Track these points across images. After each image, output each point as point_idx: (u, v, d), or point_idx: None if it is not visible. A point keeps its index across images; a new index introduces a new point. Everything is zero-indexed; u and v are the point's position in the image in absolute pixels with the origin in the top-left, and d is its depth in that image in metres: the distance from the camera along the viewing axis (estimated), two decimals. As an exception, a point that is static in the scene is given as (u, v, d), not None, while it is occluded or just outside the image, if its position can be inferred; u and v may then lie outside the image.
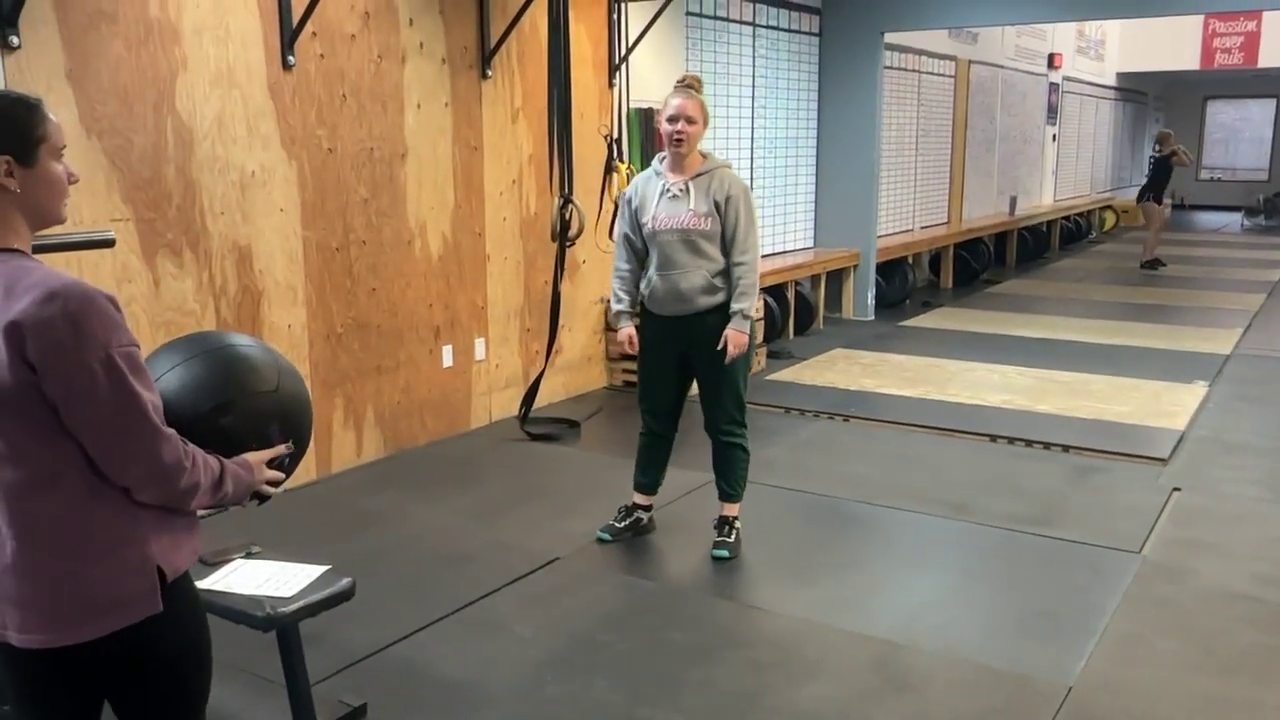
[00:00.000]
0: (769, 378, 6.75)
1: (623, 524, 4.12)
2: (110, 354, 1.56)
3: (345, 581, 2.55)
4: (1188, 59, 15.42)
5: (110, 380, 1.56)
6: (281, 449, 1.86)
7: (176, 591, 1.71)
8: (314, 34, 4.52)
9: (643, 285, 3.91)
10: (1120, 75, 17.05)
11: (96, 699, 1.76)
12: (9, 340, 1.52)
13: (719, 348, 3.78)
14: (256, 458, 1.82)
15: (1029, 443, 5.37)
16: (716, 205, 3.75)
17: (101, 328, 1.56)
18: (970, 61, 11.30)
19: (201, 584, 2.52)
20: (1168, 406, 6.03)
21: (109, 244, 3.17)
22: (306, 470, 4.74)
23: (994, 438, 5.47)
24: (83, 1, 3.74)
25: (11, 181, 1.59)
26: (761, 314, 6.94)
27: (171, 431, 1.64)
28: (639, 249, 3.92)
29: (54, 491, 1.60)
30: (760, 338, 6.95)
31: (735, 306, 3.78)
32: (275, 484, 1.87)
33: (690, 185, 3.77)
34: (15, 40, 3.53)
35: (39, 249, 3.09)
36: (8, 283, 1.55)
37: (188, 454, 1.66)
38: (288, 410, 1.89)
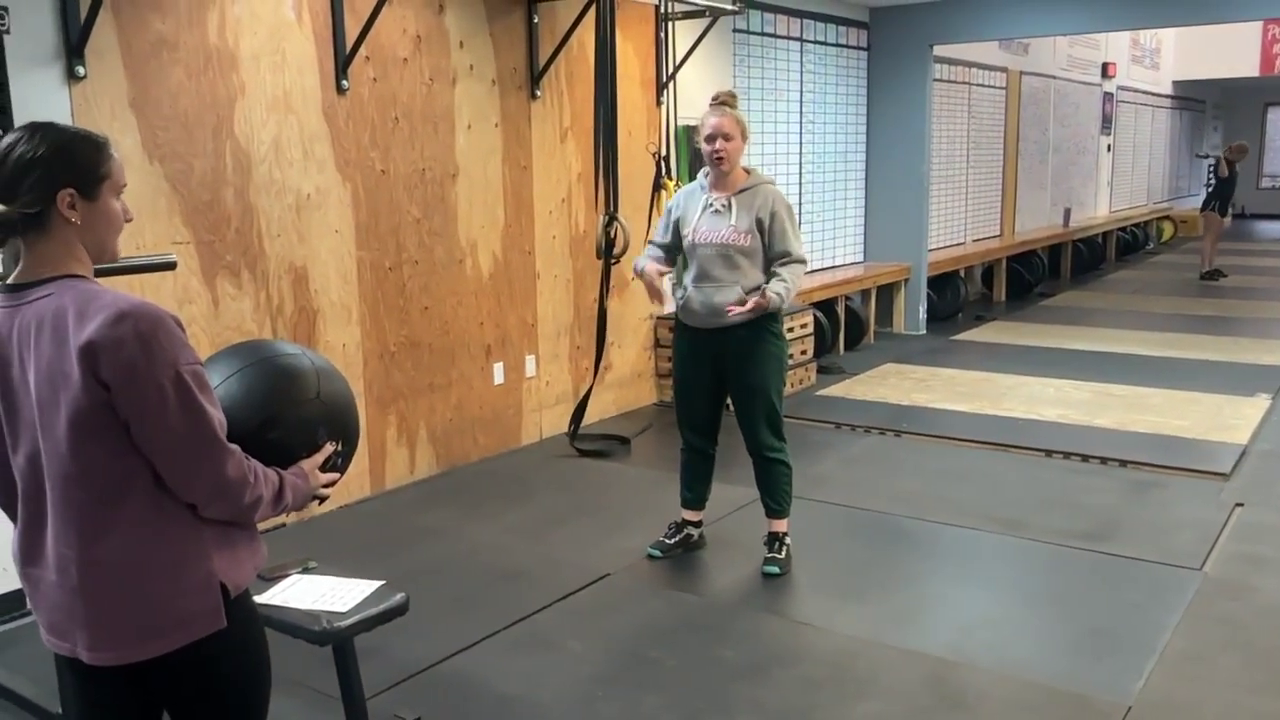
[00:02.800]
0: (819, 393, 6.72)
1: (673, 540, 4.13)
2: (179, 372, 1.60)
3: (399, 597, 2.58)
4: (1246, 66, 15.12)
5: (180, 398, 1.60)
6: (329, 449, 1.88)
7: (239, 608, 1.74)
8: (367, 58, 4.61)
9: (678, 295, 3.93)
10: (1176, 83, 16.76)
11: (157, 712, 1.80)
12: (84, 361, 1.56)
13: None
14: (310, 465, 1.85)
15: (1085, 458, 5.29)
16: (759, 222, 3.76)
17: (171, 346, 1.60)
18: (1022, 72, 11.19)
19: (259, 599, 2.56)
20: (1229, 420, 5.90)
21: (170, 266, 3.26)
22: (361, 487, 4.81)
23: (1049, 453, 5.39)
24: (145, 31, 3.85)
25: (74, 214, 1.64)
26: (810, 329, 6.92)
27: (236, 448, 1.68)
28: (670, 251, 3.96)
29: (121, 510, 1.63)
30: (809, 353, 6.93)
31: (768, 285, 3.72)
32: (331, 485, 1.90)
33: (733, 201, 3.79)
34: (81, 70, 3.65)
35: (105, 271, 3.19)
36: (79, 306, 1.59)
37: (251, 469, 1.69)
38: (331, 412, 1.91)
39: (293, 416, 1.84)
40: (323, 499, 1.91)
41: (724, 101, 3.81)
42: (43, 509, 1.67)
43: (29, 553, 1.71)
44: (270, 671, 1.85)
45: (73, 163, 1.64)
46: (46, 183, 1.62)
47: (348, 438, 1.94)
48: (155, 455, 1.62)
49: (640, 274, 3.90)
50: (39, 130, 1.65)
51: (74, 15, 3.61)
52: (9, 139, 1.65)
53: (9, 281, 1.67)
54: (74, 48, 3.63)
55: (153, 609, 1.66)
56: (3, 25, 2.91)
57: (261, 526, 1.82)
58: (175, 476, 1.64)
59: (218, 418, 1.66)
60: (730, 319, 3.71)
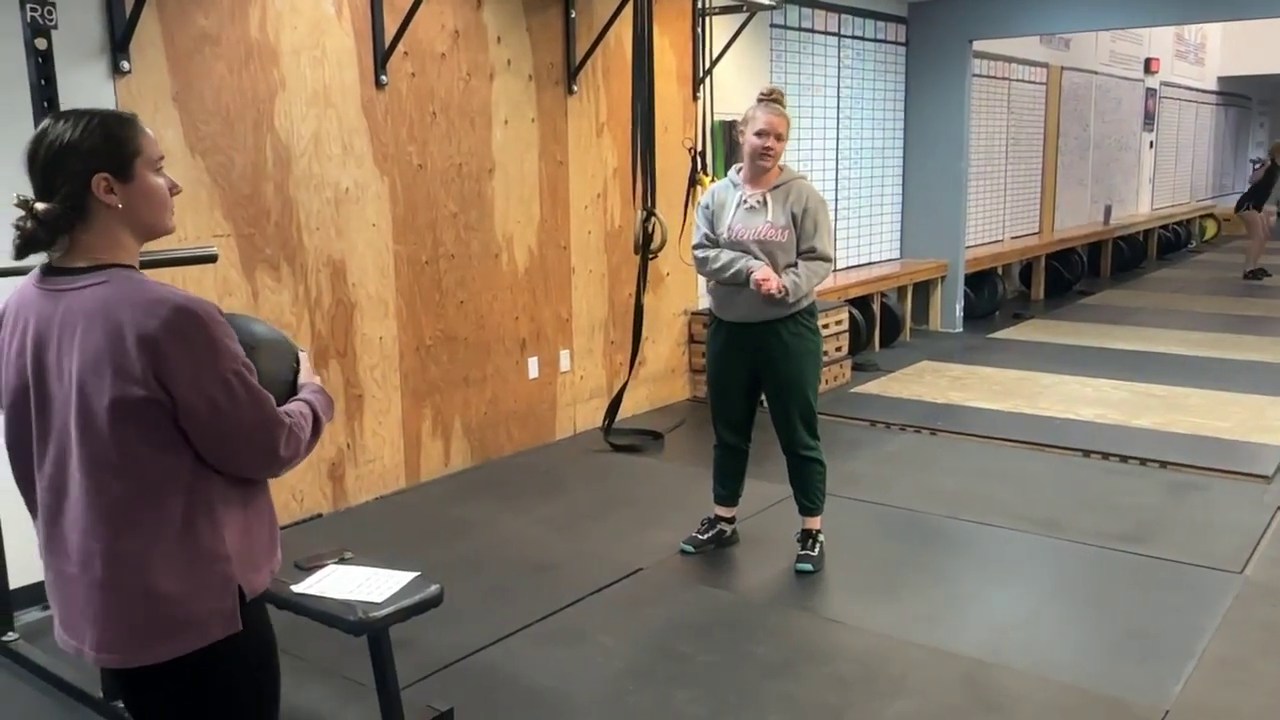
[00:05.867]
0: (854, 390, 6.68)
1: (705, 536, 4.13)
2: (239, 365, 1.61)
3: (434, 588, 2.60)
4: (1294, 61, 14.85)
5: (246, 389, 1.61)
6: (305, 356, 1.92)
7: (253, 612, 1.72)
8: (405, 53, 4.64)
9: (710, 288, 3.93)
10: (1222, 79, 16.48)
11: (174, 713, 1.74)
12: (145, 354, 1.54)
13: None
14: (306, 375, 1.88)
15: (1124, 458, 5.22)
16: (793, 217, 3.75)
17: (230, 340, 1.61)
18: (1063, 68, 11.06)
19: (296, 588, 2.60)
20: (1272, 422, 5.80)
21: (212, 259, 3.29)
22: (396, 479, 4.85)
23: (1087, 453, 5.33)
24: (188, 26, 3.90)
25: (113, 198, 1.60)
26: (846, 326, 6.89)
27: (285, 418, 1.69)
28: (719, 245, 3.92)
29: (154, 507, 1.61)
30: (844, 349, 6.90)
31: (791, 272, 3.70)
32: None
33: (768, 197, 3.77)
34: (126, 65, 3.70)
35: (147, 264, 3.23)
36: (134, 298, 1.57)
37: (296, 424, 1.71)
38: (275, 333, 1.94)
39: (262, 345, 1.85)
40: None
41: (776, 99, 3.79)
42: (64, 499, 1.64)
43: (51, 544, 1.69)
44: (279, 675, 1.83)
45: (102, 145, 1.60)
46: (79, 170, 1.58)
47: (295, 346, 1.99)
48: (218, 447, 1.62)
49: (736, 272, 3.76)
50: (64, 118, 1.62)
51: (119, 10, 3.67)
52: (38, 132, 1.62)
53: (51, 264, 1.64)
54: (119, 43, 3.68)
55: (167, 609, 1.62)
56: (50, 20, 2.96)
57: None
58: (239, 464, 1.66)
59: (272, 398, 1.67)
60: (767, 308, 3.70)
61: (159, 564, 1.62)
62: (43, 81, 2.96)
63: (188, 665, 1.65)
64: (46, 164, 1.60)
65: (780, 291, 3.66)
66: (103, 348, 1.56)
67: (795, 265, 3.75)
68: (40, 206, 1.59)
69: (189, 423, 1.59)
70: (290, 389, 1.84)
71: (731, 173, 3.93)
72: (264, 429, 1.64)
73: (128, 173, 1.62)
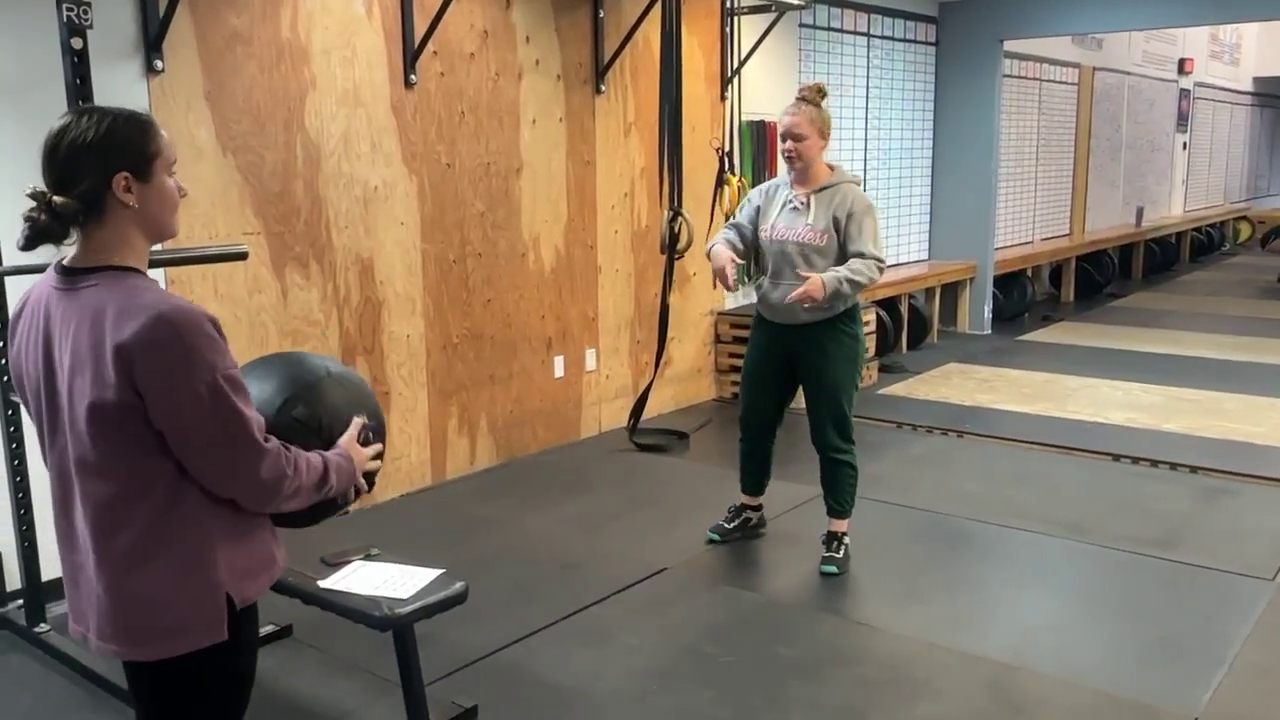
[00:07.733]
0: (881, 392, 6.65)
1: (732, 524, 4.14)
2: (216, 378, 1.58)
3: (459, 585, 2.61)
4: (1332, 62, 14.66)
5: (217, 403, 1.59)
6: (359, 422, 1.88)
7: (243, 621, 1.72)
8: (435, 53, 4.66)
9: (758, 284, 3.92)
10: (1257, 80, 16.28)
11: (157, 706, 1.79)
12: (119, 362, 1.55)
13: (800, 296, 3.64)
14: (348, 440, 1.85)
15: (1154, 462, 5.17)
16: (836, 221, 3.72)
17: (210, 351, 1.59)
18: (1095, 68, 10.96)
19: (323, 583, 2.62)
20: (1306, 427, 5.74)
21: (243, 257, 3.31)
22: (422, 476, 4.88)
23: (1117, 457, 5.28)
24: (220, 26, 3.94)
25: (130, 197, 1.62)
26: (873, 327, 6.86)
27: (273, 445, 1.67)
28: (747, 239, 3.91)
29: (136, 509, 1.62)
30: (871, 351, 6.87)
31: (834, 269, 3.67)
32: (378, 457, 1.91)
33: (812, 199, 3.76)
34: (159, 64, 3.74)
35: (179, 261, 3.27)
36: (120, 303, 1.58)
37: (289, 459, 1.69)
38: (346, 388, 1.93)
39: (309, 394, 1.86)
40: (371, 481, 1.90)
41: (803, 97, 3.78)
42: (71, 493, 1.68)
43: (63, 534, 1.73)
44: (250, 689, 1.83)
45: (125, 145, 1.62)
46: (101, 168, 1.60)
47: (373, 412, 1.95)
48: (189, 458, 1.62)
49: (710, 256, 3.88)
50: (86, 114, 1.62)
51: (153, 10, 3.71)
52: (58, 126, 1.62)
53: (64, 263, 1.66)
54: (152, 42, 3.72)
55: (155, 613, 1.65)
56: (86, 20, 2.99)
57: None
58: (209, 478, 1.64)
59: (255, 419, 1.65)
60: (804, 312, 3.69)
61: (142, 568, 1.64)
62: (78, 81, 2.99)
63: (173, 665, 1.68)
64: (67, 159, 1.60)
65: (800, 297, 3.62)
66: (85, 352, 1.59)
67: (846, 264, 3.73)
68: (58, 200, 1.60)
69: (163, 429, 1.59)
70: (328, 443, 1.84)
71: (783, 172, 3.93)
72: (233, 445, 1.62)
73: (147, 173, 1.64)
